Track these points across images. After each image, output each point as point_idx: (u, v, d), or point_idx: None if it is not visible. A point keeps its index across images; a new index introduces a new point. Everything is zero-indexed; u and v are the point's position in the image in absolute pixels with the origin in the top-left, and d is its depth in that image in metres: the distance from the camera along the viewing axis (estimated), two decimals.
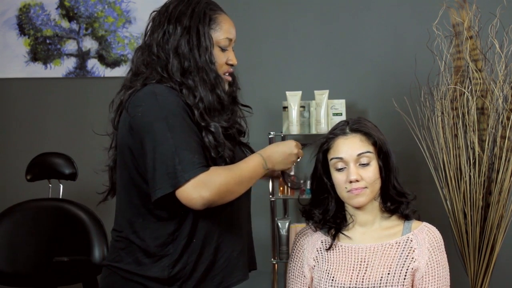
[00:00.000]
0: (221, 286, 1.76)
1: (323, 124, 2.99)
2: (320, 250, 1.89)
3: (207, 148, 1.69)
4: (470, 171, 2.62)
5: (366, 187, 1.81)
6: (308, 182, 2.03)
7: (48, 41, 3.55)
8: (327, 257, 1.87)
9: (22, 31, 3.57)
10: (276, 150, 1.81)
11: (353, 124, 1.86)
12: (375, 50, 3.29)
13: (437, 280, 1.81)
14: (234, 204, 1.73)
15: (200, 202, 1.61)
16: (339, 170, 1.84)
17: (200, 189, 1.60)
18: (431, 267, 1.81)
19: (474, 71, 2.63)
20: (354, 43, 3.31)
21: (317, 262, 1.89)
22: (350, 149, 1.83)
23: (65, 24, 3.55)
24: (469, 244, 2.67)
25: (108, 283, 1.78)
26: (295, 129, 3.02)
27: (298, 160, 1.85)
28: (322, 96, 3.00)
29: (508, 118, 2.60)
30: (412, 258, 1.81)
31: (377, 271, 1.80)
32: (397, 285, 1.79)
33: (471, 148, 2.63)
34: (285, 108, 3.06)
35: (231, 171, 1.67)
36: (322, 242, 1.90)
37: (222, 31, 1.79)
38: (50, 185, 3.07)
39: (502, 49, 2.63)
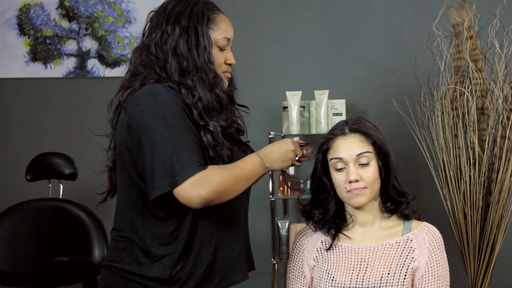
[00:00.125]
0: (221, 285, 1.76)
1: (323, 124, 2.99)
2: (320, 250, 1.89)
3: (205, 147, 1.69)
4: (470, 171, 2.62)
5: (365, 187, 1.81)
6: (308, 182, 2.02)
7: (48, 41, 3.56)
8: (327, 257, 1.87)
9: (22, 31, 3.57)
10: (272, 148, 1.81)
11: (353, 124, 1.86)
12: (375, 50, 3.29)
13: (437, 280, 1.81)
14: (233, 204, 1.73)
15: (198, 201, 1.61)
16: (339, 170, 1.84)
17: (198, 187, 1.60)
18: (431, 267, 1.81)
19: (474, 71, 2.63)
20: (354, 43, 3.31)
21: (317, 262, 1.89)
22: (350, 149, 1.83)
23: (65, 24, 3.55)
24: (469, 244, 2.67)
25: (108, 283, 1.78)
26: (295, 129, 3.02)
27: (297, 158, 1.84)
28: (322, 96, 3.00)
29: (508, 118, 2.60)
30: (412, 257, 1.81)
31: (377, 271, 1.80)
32: (397, 285, 1.79)
33: (471, 148, 2.63)
34: (285, 108, 3.06)
35: (228, 169, 1.67)
36: (322, 242, 1.91)
37: (221, 31, 1.79)
38: (50, 185, 3.07)
39: (502, 49, 2.63)
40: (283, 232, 3.01)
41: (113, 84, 1.88)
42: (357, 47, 3.31)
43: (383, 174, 1.84)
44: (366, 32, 3.30)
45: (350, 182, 1.81)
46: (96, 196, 1.91)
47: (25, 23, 3.57)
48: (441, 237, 1.86)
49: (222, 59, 1.80)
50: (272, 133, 3.00)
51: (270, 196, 3.03)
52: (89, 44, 3.53)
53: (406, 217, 1.89)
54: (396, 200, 1.86)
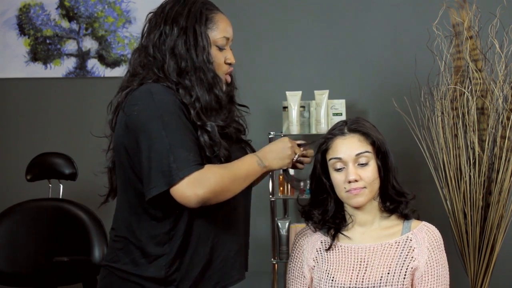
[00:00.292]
0: (218, 286, 1.75)
1: (323, 124, 2.99)
2: (320, 251, 1.89)
3: (202, 147, 1.69)
4: (470, 171, 2.62)
5: (365, 187, 1.81)
6: (308, 182, 2.03)
7: (48, 41, 3.56)
8: (327, 257, 1.87)
9: (22, 31, 3.57)
10: (270, 147, 1.81)
11: (352, 124, 1.87)
12: (375, 50, 3.29)
13: (437, 279, 1.81)
14: (230, 204, 1.73)
15: (195, 200, 1.61)
16: (338, 170, 1.84)
17: (195, 187, 1.59)
18: (430, 266, 1.81)
19: (474, 71, 2.63)
20: (354, 43, 3.31)
21: (317, 262, 1.89)
22: (349, 149, 1.83)
23: (65, 24, 3.55)
24: (469, 244, 2.67)
25: (106, 283, 1.78)
26: (295, 129, 3.02)
27: (296, 158, 1.84)
28: (322, 96, 3.00)
29: (508, 118, 2.60)
30: (412, 257, 1.81)
31: (376, 271, 1.80)
32: (397, 285, 1.79)
33: (471, 148, 2.63)
34: (285, 108, 3.06)
35: (226, 169, 1.67)
36: (321, 242, 1.91)
37: (219, 30, 1.78)
38: (50, 185, 3.07)
39: (502, 49, 2.63)
40: (283, 232, 3.00)
41: (113, 84, 1.88)
42: (357, 47, 3.31)
43: (382, 174, 1.84)
44: (366, 32, 3.30)
45: (350, 182, 1.81)
46: (96, 196, 1.91)
47: (25, 23, 3.57)
48: (440, 237, 1.86)
49: (222, 59, 1.80)
50: (272, 133, 3.00)
51: (270, 196, 3.03)
52: (89, 44, 3.53)
53: (405, 217, 1.89)
54: (395, 199, 1.86)
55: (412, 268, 1.80)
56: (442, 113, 2.69)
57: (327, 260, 1.87)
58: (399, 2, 3.28)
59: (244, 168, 1.71)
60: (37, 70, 3.56)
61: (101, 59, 3.52)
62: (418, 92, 2.79)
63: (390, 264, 1.81)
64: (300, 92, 3.04)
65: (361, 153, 1.82)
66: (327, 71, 3.33)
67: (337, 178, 1.84)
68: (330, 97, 3.02)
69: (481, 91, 2.65)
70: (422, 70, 2.77)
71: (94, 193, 1.94)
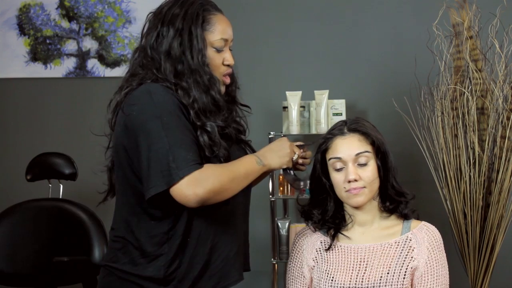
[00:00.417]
0: (218, 286, 1.75)
1: (323, 124, 2.99)
2: (320, 251, 1.89)
3: (201, 147, 1.68)
4: (470, 171, 2.62)
5: (364, 187, 1.81)
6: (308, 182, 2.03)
7: (48, 41, 3.56)
8: (327, 257, 1.87)
9: (22, 31, 3.57)
10: (268, 147, 1.82)
11: (351, 124, 1.87)
12: (375, 50, 3.29)
13: (436, 279, 1.81)
14: (229, 204, 1.72)
15: (194, 200, 1.60)
16: (338, 170, 1.84)
17: (194, 186, 1.59)
18: (430, 266, 1.81)
19: (474, 71, 2.63)
20: (354, 43, 3.31)
21: (317, 262, 1.89)
22: (348, 149, 1.83)
23: (65, 24, 3.55)
24: (469, 244, 2.67)
25: (105, 283, 1.78)
26: (295, 129, 3.02)
27: (295, 158, 1.84)
28: (322, 96, 3.01)
29: (508, 118, 2.60)
30: (412, 257, 1.81)
31: (376, 271, 1.80)
32: (397, 285, 1.79)
33: (471, 148, 2.63)
34: (285, 108, 3.06)
35: (225, 168, 1.67)
36: (321, 242, 1.90)
37: (217, 32, 1.77)
38: (50, 185, 3.07)
39: (502, 49, 2.63)
40: (283, 232, 3.01)
41: (113, 84, 1.88)
42: (357, 47, 3.31)
43: (382, 174, 1.84)
44: (366, 32, 3.30)
45: (349, 181, 1.81)
46: (96, 196, 1.91)
47: (25, 23, 3.57)
48: (440, 237, 1.86)
49: (219, 60, 1.79)
50: (272, 133, 3.00)
51: (270, 196, 3.03)
52: (89, 44, 3.53)
53: (405, 217, 1.89)
54: (395, 199, 1.86)
55: (411, 268, 1.80)
56: (442, 113, 2.69)
57: (327, 260, 1.87)
58: (399, 2, 3.28)
59: (243, 167, 1.71)
60: (37, 70, 3.56)
61: (101, 59, 3.52)
62: (418, 92, 2.79)
63: (390, 264, 1.81)
64: (300, 92, 3.04)
65: (360, 152, 1.82)
66: (327, 71, 3.33)
67: (336, 178, 1.84)
68: (330, 97, 3.02)
69: (481, 91, 2.65)
70: (422, 70, 2.77)
71: (94, 193, 1.94)
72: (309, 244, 1.92)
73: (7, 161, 3.56)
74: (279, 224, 3.02)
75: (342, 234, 1.89)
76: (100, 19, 3.52)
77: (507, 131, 2.59)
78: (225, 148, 1.72)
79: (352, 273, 1.82)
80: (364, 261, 1.83)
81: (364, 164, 1.82)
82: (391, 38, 3.28)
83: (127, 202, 1.75)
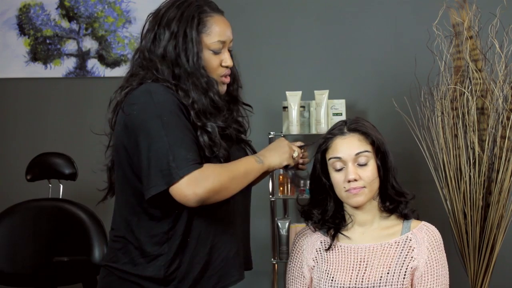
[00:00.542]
0: (218, 286, 1.75)
1: (323, 124, 2.99)
2: (320, 251, 1.89)
3: (201, 148, 1.68)
4: (470, 171, 2.62)
5: (364, 187, 1.81)
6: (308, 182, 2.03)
7: (48, 41, 3.56)
8: (327, 257, 1.87)
9: (22, 31, 3.57)
10: (267, 147, 1.83)
11: (351, 123, 1.87)
12: (375, 50, 3.29)
13: (436, 279, 1.81)
14: (229, 203, 1.73)
15: (194, 199, 1.60)
16: (338, 170, 1.84)
17: (194, 186, 1.59)
18: (430, 266, 1.81)
19: (474, 71, 2.63)
20: (354, 43, 3.31)
21: (317, 262, 1.89)
22: (348, 148, 1.83)
23: (65, 24, 3.55)
24: (469, 244, 2.67)
25: (105, 283, 1.78)
26: (295, 129, 3.02)
27: (296, 155, 1.84)
28: (322, 96, 3.00)
29: (508, 118, 2.60)
30: (412, 257, 1.81)
31: (376, 271, 1.80)
32: (397, 285, 1.79)
33: (471, 148, 2.63)
34: (285, 108, 3.06)
35: (225, 168, 1.67)
36: (321, 242, 1.90)
37: (213, 34, 1.75)
38: (50, 185, 3.07)
39: (502, 49, 2.63)
40: (283, 232, 3.00)
41: (113, 84, 1.88)
42: (357, 47, 3.31)
43: (381, 174, 1.84)
44: (366, 32, 3.30)
45: (349, 181, 1.81)
46: (96, 196, 1.91)
47: (25, 23, 3.57)
48: (440, 237, 1.86)
49: (217, 62, 1.77)
50: (272, 133, 3.00)
51: (270, 196, 3.03)
52: (89, 44, 3.53)
53: (405, 217, 1.89)
54: (395, 199, 1.86)
55: (411, 268, 1.80)
56: (442, 113, 2.69)
57: (327, 260, 1.87)
58: (399, 2, 3.28)
59: (243, 166, 1.71)
60: (37, 70, 3.56)
61: (101, 59, 3.52)
62: (418, 92, 2.79)
63: (390, 264, 1.81)
64: (300, 92, 3.04)
65: (360, 152, 1.82)
66: (327, 71, 3.33)
67: (336, 178, 1.84)
68: (330, 97, 3.02)
69: (481, 91, 2.65)
70: (422, 70, 2.77)
71: (94, 193, 1.94)
72: (309, 244, 1.92)
73: (7, 161, 3.56)
74: (279, 224, 3.02)
75: (342, 234, 1.89)
76: (100, 19, 3.52)
77: (507, 131, 2.59)
78: (225, 148, 1.72)
79: (352, 273, 1.82)
80: (364, 261, 1.83)
81: (364, 164, 1.82)
82: (391, 38, 3.28)
83: (127, 201, 1.75)
